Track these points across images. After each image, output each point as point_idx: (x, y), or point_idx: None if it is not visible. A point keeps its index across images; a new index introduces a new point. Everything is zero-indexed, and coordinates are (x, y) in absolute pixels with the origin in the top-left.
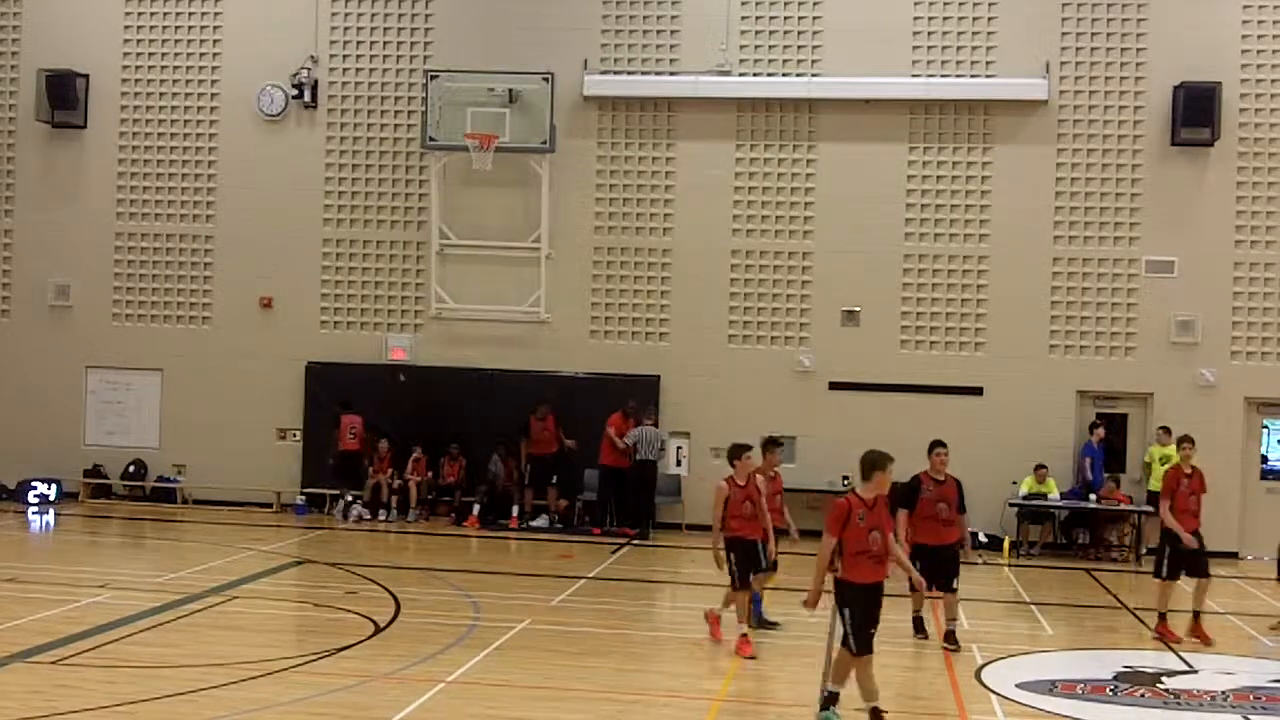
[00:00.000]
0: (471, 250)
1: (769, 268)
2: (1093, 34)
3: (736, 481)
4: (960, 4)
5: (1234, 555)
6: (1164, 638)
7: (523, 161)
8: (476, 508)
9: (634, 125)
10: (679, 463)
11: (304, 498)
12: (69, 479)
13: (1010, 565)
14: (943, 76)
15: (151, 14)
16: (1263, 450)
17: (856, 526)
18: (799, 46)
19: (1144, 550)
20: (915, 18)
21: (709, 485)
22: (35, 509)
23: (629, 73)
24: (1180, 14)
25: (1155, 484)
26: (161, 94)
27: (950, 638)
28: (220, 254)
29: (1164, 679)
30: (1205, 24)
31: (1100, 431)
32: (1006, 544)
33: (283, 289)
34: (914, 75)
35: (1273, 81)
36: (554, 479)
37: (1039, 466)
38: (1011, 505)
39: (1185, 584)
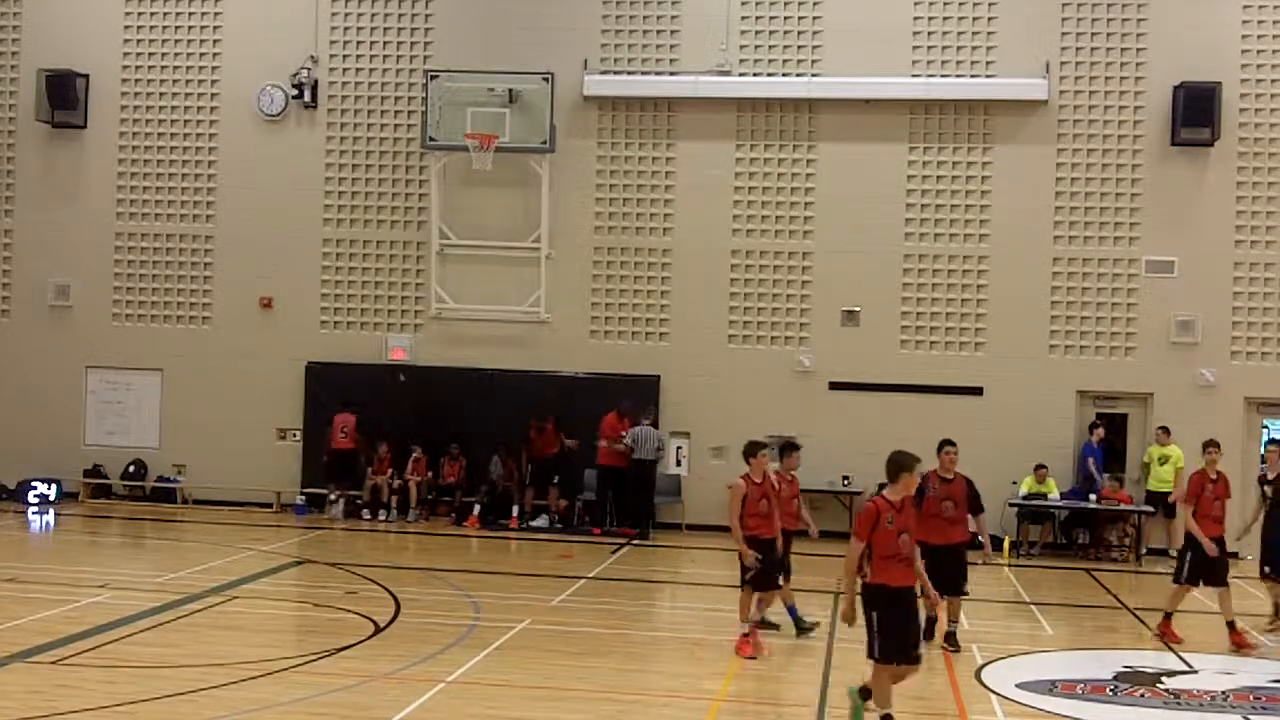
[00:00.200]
0: (471, 250)
1: (769, 268)
2: (1093, 34)
3: (753, 479)
4: (960, 4)
5: (1234, 555)
6: (1164, 637)
7: (523, 161)
8: (477, 508)
9: (634, 125)
10: (679, 463)
11: (304, 498)
12: (69, 479)
13: (1010, 565)
14: (943, 76)
15: (151, 14)
16: (1262, 450)
17: (885, 529)
18: (799, 46)
19: (1144, 550)
20: (915, 18)
21: (708, 485)
22: (35, 509)
23: (629, 73)
24: (1180, 14)
25: (1154, 484)
26: (161, 94)
27: (951, 639)
28: (220, 254)
29: (1164, 679)
30: (1205, 24)
31: (1100, 432)
32: (1006, 544)
33: (283, 289)
34: (914, 75)
35: (1273, 81)
36: (555, 479)
37: (1039, 466)
38: (1011, 505)
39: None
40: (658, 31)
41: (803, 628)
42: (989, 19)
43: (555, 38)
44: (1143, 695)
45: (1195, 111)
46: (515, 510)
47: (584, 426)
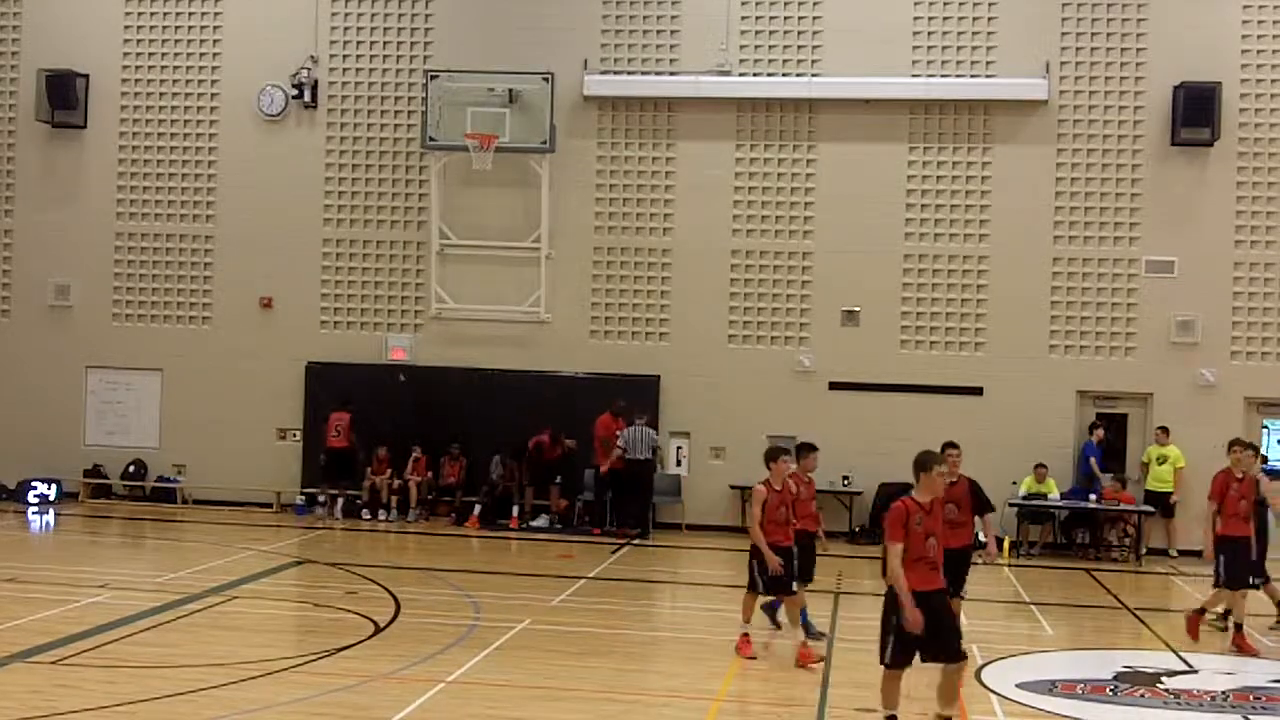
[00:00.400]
0: (471, 250)
1: (769, 268)
2: (1093, 34)
3: (773, 486)
4: (960, 4)
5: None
6: (1241, 650)
7: (523, 161)
8: (477, 508)
9: (634, 125)
10: (679, 463)
11: (304, 498)
12: (69, 479)
13: (1010, 565)
14: (943, 76)
15: (151, 14)
16: (1263, 450)
17: (914, 531)
18: (799, 46)
19: (1144, 550)
20: (915, 18)
21: (708, 485)
22: (35, 509)
23: (629, 73)
24: (1180, 14)
25: (1152, 484)
26: (161, 94)
27: None
28: (220, 254)
29: (1164, 679)
30: (1205, 24)
31: (1100, 432)
32: (1006, 544)
33: (283, 289)
34: (914, 75)
35: (1273, 81)
36: (557, 479)
37: (1038, 466)
38: (1011, 505)
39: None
40: (658, 31)
41: (811, 633)
42: (989, 19)
43: (555, 38)
44: (1143, 695)
45: (1195, 111)
46: (515, 510)
47: (584, 427)
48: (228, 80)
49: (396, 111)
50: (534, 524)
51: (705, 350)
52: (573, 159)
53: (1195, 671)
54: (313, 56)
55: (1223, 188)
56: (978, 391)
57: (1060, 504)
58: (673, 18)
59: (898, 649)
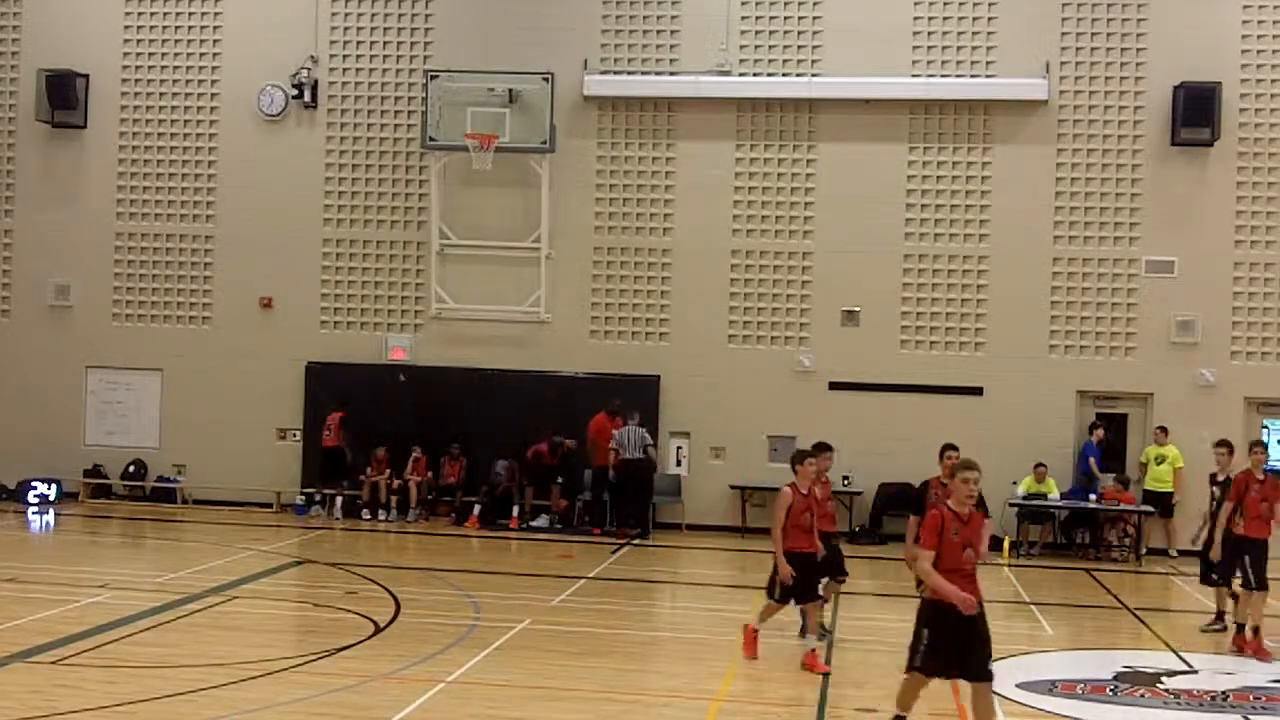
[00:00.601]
0: (471, 250)
1: (769, 268)
2: (1093, 34)
3: (799, 489)
4: (960, 4)
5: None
6: (1256, 653)
7: (523, 161)
8: (477, 508)
9: (634, 125)
10: (679, 463)
11: (304, 498)
12: (69, 479)
13: (1010, 565)
14: (943, 76)
15: (151, 14)
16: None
17: (950, 541)
18: (799, 46)
19: (1144, 550)
20: (915, 18)
21: (708, 485)
22: (35, 509)
23: (629, 73)
24: (1180, 14)
25: (1150, 484)
26: (161, 94)
27: None
28: (220, 254)
29: (1164, 679)
30: (1205, 24)
31: (1100, 432)
32: (1006, 544)
33: (283, 289)
34: (914, 75)
35: (1273, 81)
36: (558, 479)
37: (1038, 465)
38: (1011, 505)
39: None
40: (658, 31)
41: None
42: (989, 19)
43: (555, 38)
44: (1143, 695)
45: (1195, 111)
46: (515, 510)
47: (584, 427)
48: (228, 80)
49: (396, 111)
50: (534, 524)
51: (705, 350)
52: (573, 159)
53: (1195, 671)
54: (313, 56)
55: (1223, 188)
56: (978, 391)
57: (1060, 504)
58: (673, 18)
59: (929, 655)
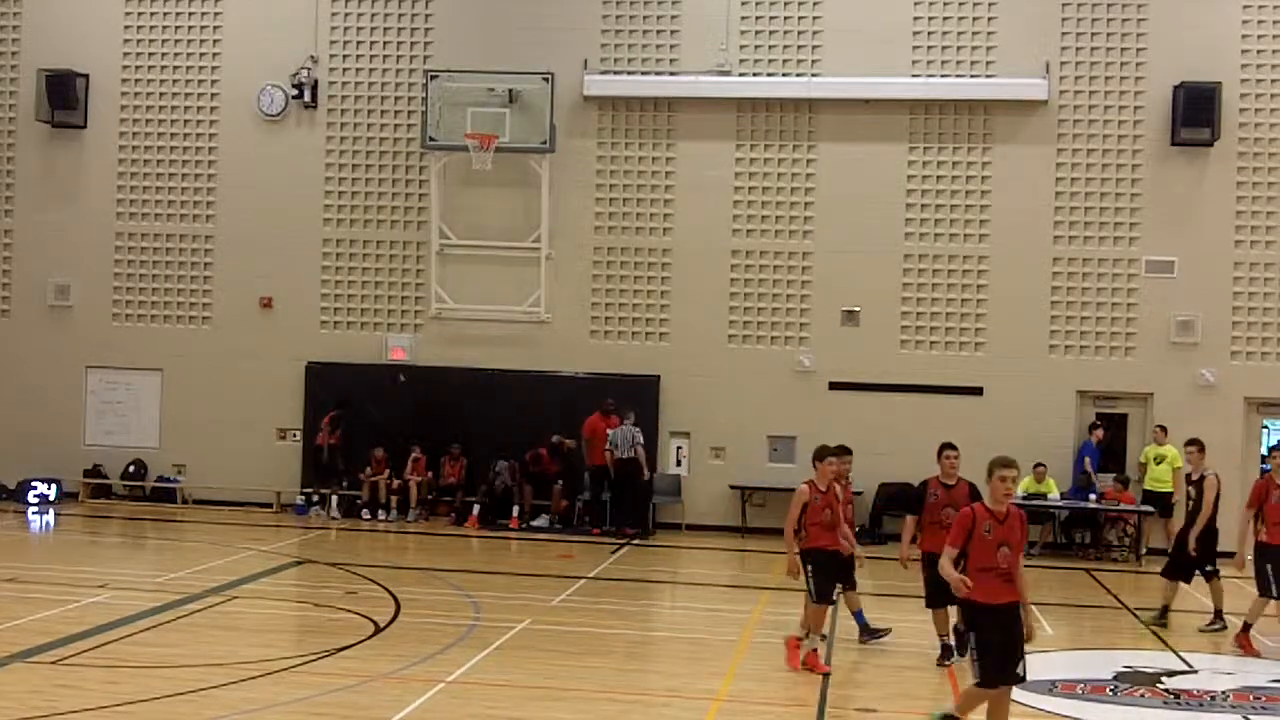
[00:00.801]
0: (471, 250)
1: (769, 268)
2: (1093, 34)
3: (817, 486)
4: (960, 4)
5: (1233, 555)
6: (1239, 646)
7: (523, 161)
8: (477, 508)
9: (634, 125)
10: (679, 463)
11: (303, 498)
12: (69, 479)
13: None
14: (943, 76)
15: (151, 14)
16: (1262, 450)
17: (982, 539)
18: (799, 46)
19: (1144, 550)
20: (915, 18)
21: (708, 485)
22: (35, 509)
23: (629, 73)
24: (1180, 14)
25: (1149, 484)
26: (161, 94)
27: (948, 652)
28: (220, 254)
29: (1164, 679)
30: (1205, 24)
31: (1099, 432)
32: None
33: (283, 289)
34: (914, 75)
35: (1273, 81)
36: (559, 481)
37: (1038, 465)
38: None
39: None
40: (658, 31)
41: (874, 631)
42: (989, 19)
43: (555, 38)
44: (1143, 695)
45: (1195, 111)
46: (515, 510)
47: (583, 428)
48: (228, 80)
49: (396, 111)
50: (534, 524)
51: (705, 350)
52: (573, 159)
53: (1195, 671)
54: (313, 56)
55: (1223, 188)
56: (978, 391)
57: (1060, 504)
58: (673, 18)
59: (988, 661)
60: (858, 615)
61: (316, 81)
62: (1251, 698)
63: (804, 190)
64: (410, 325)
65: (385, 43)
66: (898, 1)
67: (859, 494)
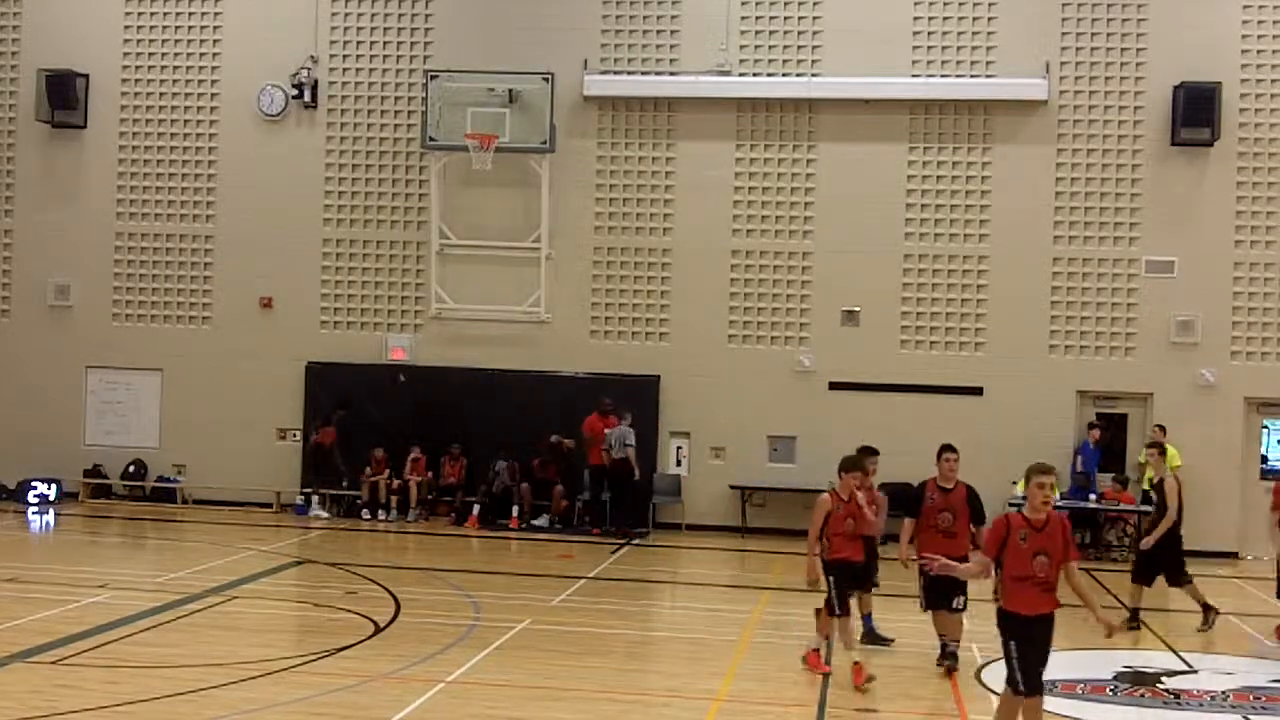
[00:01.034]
0: (471, 250)
1: (769, 268)
2: (1093, 34)
3: (839, 496)
4: (960, 4)
5: (1234, 555)
6: None
7: (523, 161)
8: (477, 508)
9: (634, 125)
10: (679, 463)
11: (303, 497)
12: (69, 479)
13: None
14: (943, 76)
15: (151, 14)
16: (1263, 450)
17: (1017, 548)
18: (799, 46)
19: None
20: (915, 18)
21: (707, 485)
22: (35, 509)
23: (629, 73)
24: (1180, 14)
25: (1147, 484)
26: (161, 94)
27: (951, 660)
28: (220, 254)
29: (1164, 679)
30: (1205, 24)
31: (1096, 433)
32: None
33: (283, 289)
34: (914, 75)
35: (1273, 81)
36: (559, 483)
37: None
38: (1011, 505)
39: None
40: (658, 31)
41: (879, 638)
42: (989, 19)
43: (555, 38)
44: (1143, 695)
45: (1195, 111)
46: (515, 510)
47: (583, 428)
48: (228, 80)
49: (396, 111)
50: (534, 524)
51: (705, 350)
52: (573, 159)
53: (1195, 671)
54: (313, 56)
55: (1223, 188)
56: (978, 391)
57: (1060, 504)
58: (673, 18)
59: (1027, 673)
60: (866, 619)
61: (316, 81)
62: (1251, 698)
63: (804, 190)
64: (410, 325)
65: (385, 43)
66: (898, 1)
67: None
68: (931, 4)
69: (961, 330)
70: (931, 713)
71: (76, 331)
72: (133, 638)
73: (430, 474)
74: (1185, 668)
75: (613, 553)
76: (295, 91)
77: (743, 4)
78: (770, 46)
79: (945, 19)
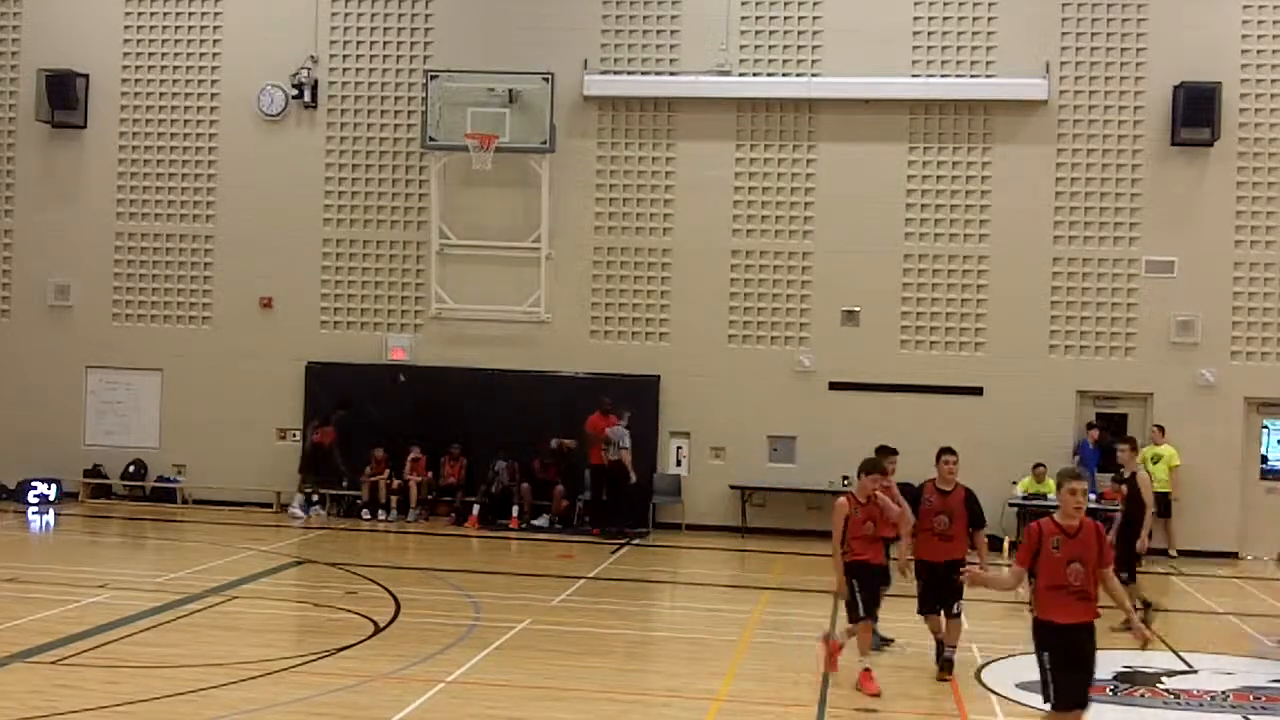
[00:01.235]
0: (471, 250)
1: (769, 268)
2: (1093, 34)
3: (857, 499)
4: (960, 4)
5: (1234, 555)
6: None
7: (523, 161)
8: (476, 508)
9: (634, 125)
10: (679, 463)
11: (302, 497)
12: (69, 479)
13: (1010, 565)
14: (943, 76)
15: (151, 14)
16: (1263, 450)
17: (1050, 556)
18: (799, 46)
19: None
20: (915, 18)
21: (707, 485)
22: (35, 509)
23: (629, 73)
24: (1180, 14)
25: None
26: (161, 94)
27: (946, 665)
28: (220, 254)
29: (1164, 679)
30: (1205, 24)
31: (1096, 433)
32: (1006, 544)
33: (283, 289)
34: (914, 75)
35: (1273, 81)
36: (559, 483)
37: (1037, 466)
38: (1011, 505)
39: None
40: (658, 31)
41: (882, 640)
42: (989, 19)
43: (555, 38)
44: (1143, 695)
45: (1195, 111)
46: (515, 510)
47: (584, 427)
48: (228, 80)
49: (396, 111)
50: (534, 524)
51: (705, 350)
52: (573, 159)
53: (1195, 671)
54: (313, 56)
55: (1223, 188)
56: (978, 391)
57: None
58: (673, 18)
59: (1060, 684)
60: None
61: (316, 81)
62: (1251, 698)
63: (804, 190)
64: (410, 325)
65: (385, 43)
66: (898, 1)
67: None
68: (931, 4)
69: (961, 330)
70: (931, 713)
71: (76, 331)
72: (133, 638)
73: (430, 474)
74: (1185, 668)
75: (613, 553)
76: (295, 91)
77: (743, 4)
78: (770, 46)
79: (945, 19)
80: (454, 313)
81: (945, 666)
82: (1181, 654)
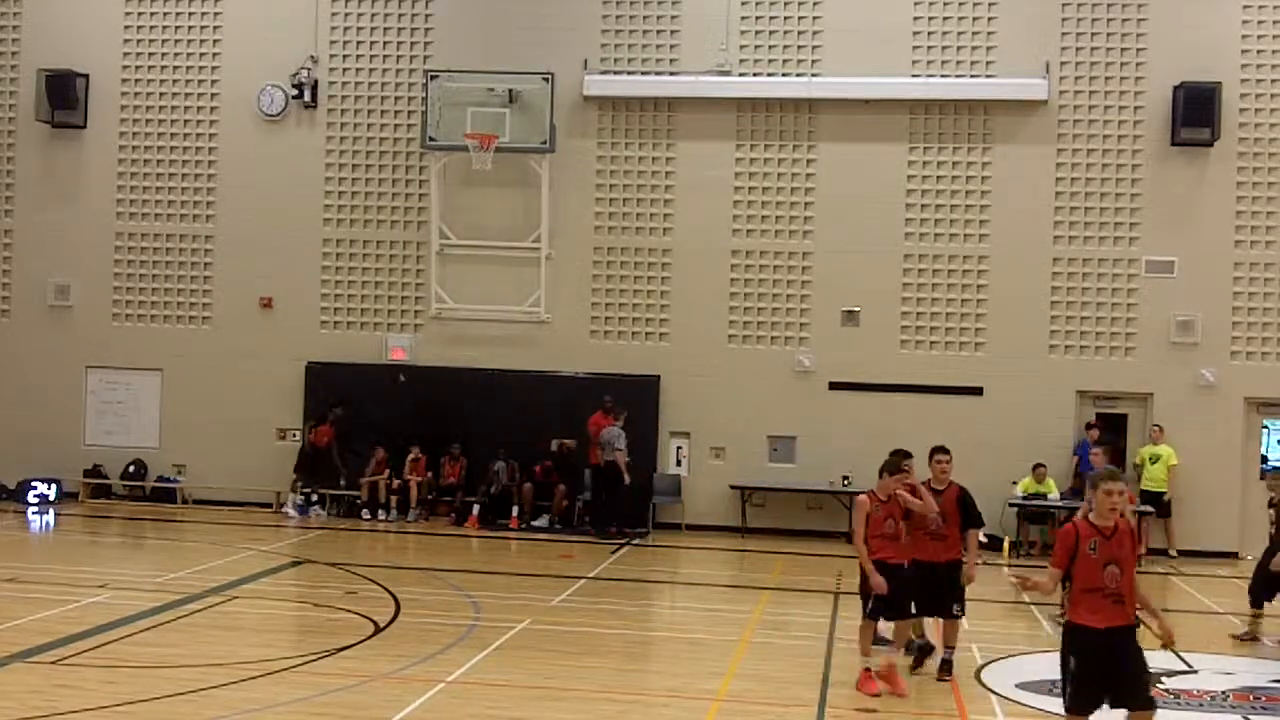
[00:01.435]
0: (471, 250)
1: (769, 268)
2: (1093, 34)
3: (878, 496)
4: (960, 4)
5: (1234, 555)
6: None
7: (523, 161)
8: (476, 508)
9: (634, 125)
10: (679, 463)
11: (303, 497)
12: (69, 479)
13: (1010, 565)
14: (943, 76)
15: (151, 14)
16: (1263, 450)
17: (1087, 557)
18: (799, 46)
19: (1143, 550)
20: (915, 18)
21: (708, 485)
22: (35, 509)
23: (629, 73)
24: (1180, 14)
25: (1146, 484)
26: (161, 94)
27: (945, 667)
28: (220, 254)
29: (1164, 679)
30: (1205, 24)
31: (1095, 432)
32: (1006, 544)
33: (283, 289)
34: (914, 75)
35: (1273, 81)
36: (560, 484)
37: (1037, 466)
38: (1011, 505)
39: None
40: (658, 31)
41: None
42: (989, 19)
43: (555, 38)
44: None
45: (1195, 111)
46: (515, 510)
47: (584, 427)
48: (228, 80)
49: (396, 111)
50: (534, 524)
51: (705, 350)
52: (573, 159)
53: (1195, 671)
54: (313, 56)
55: (1223, 188)
56: (978, 391)
57: (1060, 504)
58: (673, 18)
59: (1078, 691)
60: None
61: (316, 81)
62: (1251, 698)
63: (804, 190)
64: (410, 325)
65: (385, 43)
66: (898, 1)
67: (859, 494)
68: (931, 4)
69: (961, 330)
70: (931, 712)
71: (76, 331)
72: (133, 638)
73: (430, 474)
74: (1185, 668)
75: (612, 553)
76: (295, 91)
77: (743, 4)
78: (770, 46)
79: (945, 19)
80: (454, 313)
81: (945, 667)
82: (1181, 654)
